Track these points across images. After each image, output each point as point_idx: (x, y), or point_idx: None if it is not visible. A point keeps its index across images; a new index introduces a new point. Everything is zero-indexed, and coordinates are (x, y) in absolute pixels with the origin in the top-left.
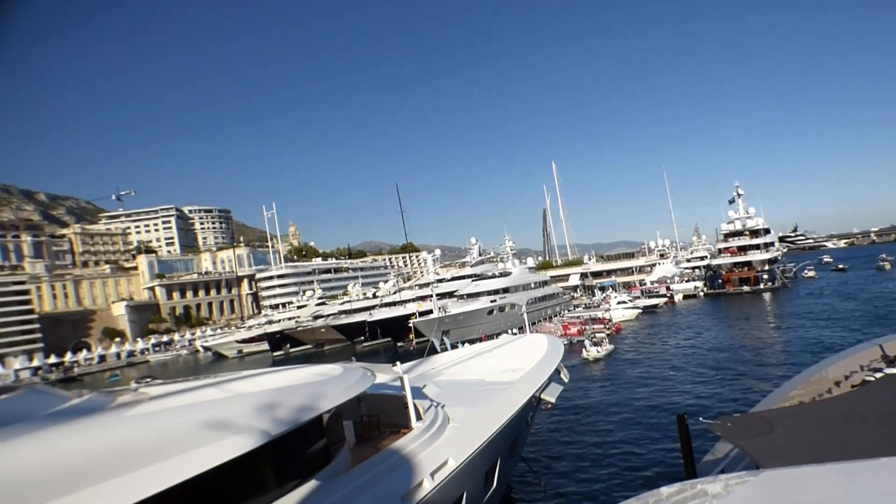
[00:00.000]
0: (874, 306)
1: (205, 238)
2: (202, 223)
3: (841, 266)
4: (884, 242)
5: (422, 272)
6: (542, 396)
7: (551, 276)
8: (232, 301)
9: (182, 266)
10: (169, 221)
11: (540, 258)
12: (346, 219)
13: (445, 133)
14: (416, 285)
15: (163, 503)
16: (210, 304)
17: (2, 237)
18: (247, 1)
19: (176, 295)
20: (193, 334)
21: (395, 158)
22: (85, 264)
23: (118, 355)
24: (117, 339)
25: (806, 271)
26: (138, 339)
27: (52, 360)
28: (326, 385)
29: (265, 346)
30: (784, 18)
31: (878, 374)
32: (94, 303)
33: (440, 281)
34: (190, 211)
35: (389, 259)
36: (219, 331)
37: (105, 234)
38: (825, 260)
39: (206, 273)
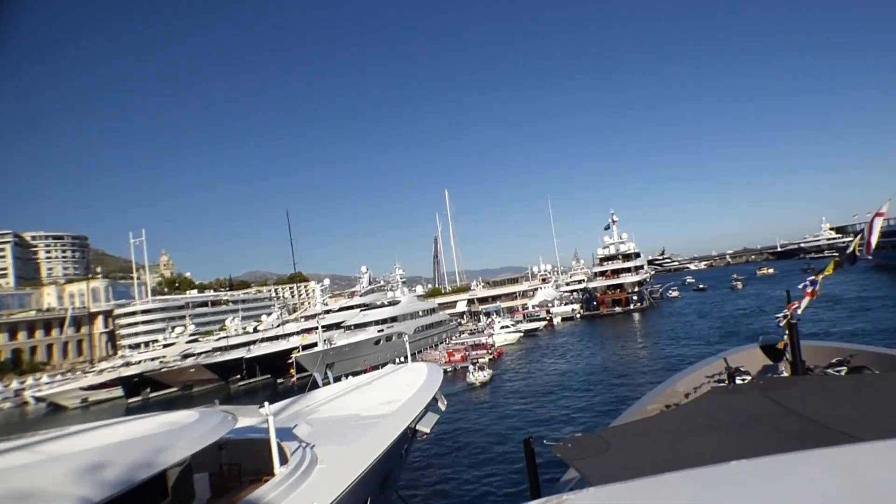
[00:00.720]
0: (726, 322)
1: (51, 269)
2: (49, 251)
3: (701, 286)
4: (737, 264)
5: (309, 303)
6: (417, 427)
7: (439, 304)
8: (80, 342)
9: (16, 302)
10: (3, 250)
11: (430, 285)
12: (229, 248)
13: (339, 160)
14: (301, 317)
15: None
16: (50, 346)
17: None
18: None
19: (2, 337)
20: (23, 382)
21: (287, 186)
22: None
23: None
24: None
25: (671, 292)
26: None
27: None
28: (173, 436)
29: (119, 391)
30: (656, 60)
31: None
32: None
33: (327, 312)
34: (33, 237)
35: (275, 290)
36: (59, 377)
37: None
38: (688, 281)
39: (48, 310)
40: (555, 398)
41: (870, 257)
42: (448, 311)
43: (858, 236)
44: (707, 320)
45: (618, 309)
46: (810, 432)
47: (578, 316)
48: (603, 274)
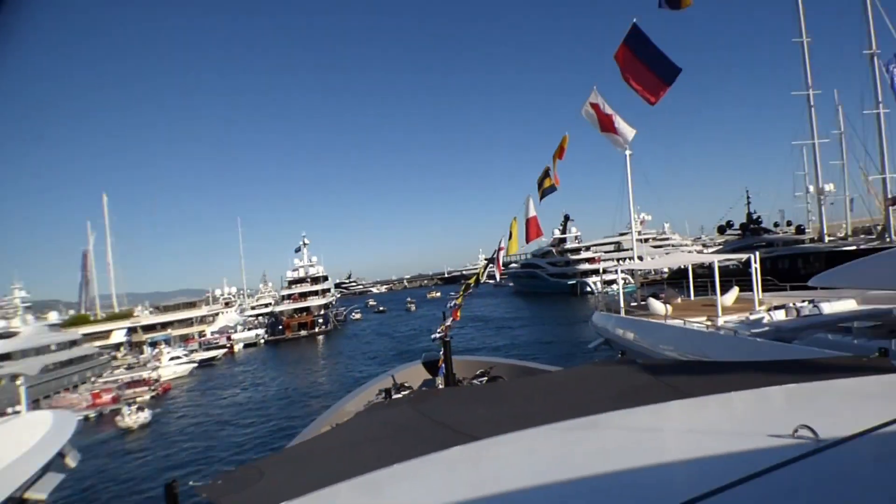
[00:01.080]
0: (400, 342)
1: None
2: None
3: (381, 308)
4: (412, 287)
5: None
6: (26, 496)
7: (86, 334)
8: None
9: None
10: None
11: (73, 311)
12: None
13: None
14: None
15: None
16: None
17: None
18: None
19: None
20: None
21: None
22: None
23: None
24: None
25: (354, 314)
26: None
27: None
28: None
29: None
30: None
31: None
32: None
33: None
34: None
35: None
36: None
37: None
38: (370, 303)
39: None
40: (230, 431)
41: (511, 284)
42: (99, 343)
43: (485, 265)
44: (384, 340)
45: (303, 332)
46: (448, 436)
47: (262, 341)
48: (291, 297)
